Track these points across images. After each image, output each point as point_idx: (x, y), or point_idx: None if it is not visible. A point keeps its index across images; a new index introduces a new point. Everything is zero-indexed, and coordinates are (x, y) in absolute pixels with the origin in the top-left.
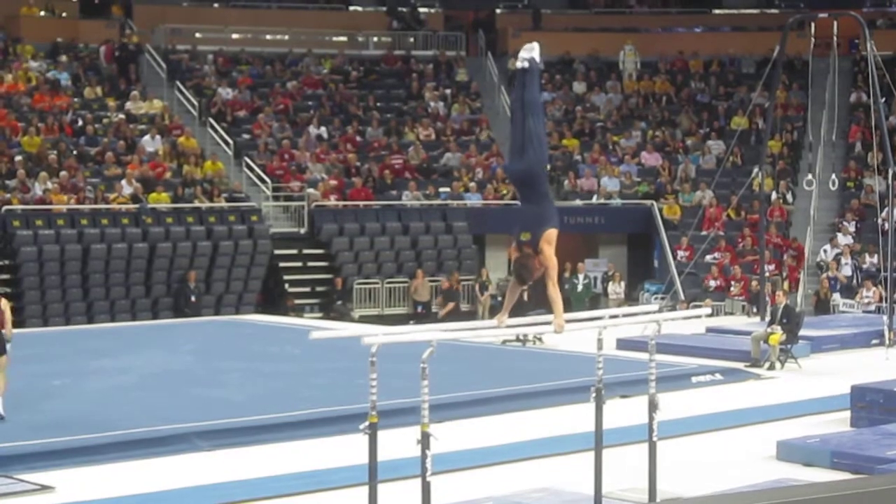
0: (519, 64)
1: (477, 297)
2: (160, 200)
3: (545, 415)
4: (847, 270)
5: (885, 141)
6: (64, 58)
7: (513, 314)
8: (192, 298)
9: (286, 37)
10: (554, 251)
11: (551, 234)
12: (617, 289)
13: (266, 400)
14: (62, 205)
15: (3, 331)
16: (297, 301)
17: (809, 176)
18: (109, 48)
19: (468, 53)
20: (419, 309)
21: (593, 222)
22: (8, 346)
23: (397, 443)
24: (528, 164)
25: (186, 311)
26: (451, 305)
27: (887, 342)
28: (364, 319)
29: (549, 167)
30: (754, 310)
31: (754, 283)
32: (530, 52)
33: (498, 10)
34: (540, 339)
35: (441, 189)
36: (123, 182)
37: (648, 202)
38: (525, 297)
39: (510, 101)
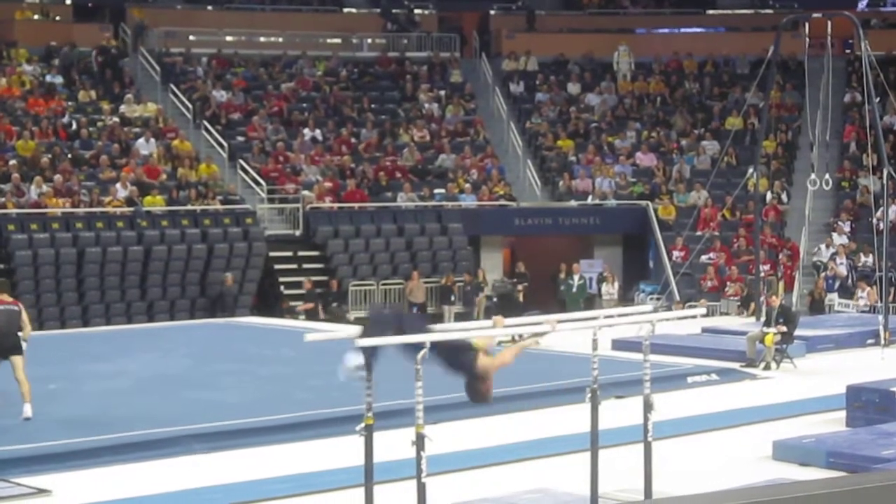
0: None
1: (472, 299)
2: (155, 203)
3: (540, 415)
4: (842, 270)
5: (880, 141)
6: (57, 61)
7: (507, 315)
8: (234, 301)
9: (280, 39)
10: (491, 361)
11: (481, 358)
12: (612, 289)
13: (261, 402)
14: (57, 208)
15: (21, 333)
16: (293, 303)
17: (813, 175)
18: (98, 50)
19: (462, 55)
20: (415, 310)
21: (588, 223)
22: (24, 346)
23: (393, 444)
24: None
25: (223, 314)
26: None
27: (882, 342)
28: (359, 321)
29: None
30: (745, 311)
31: (747, 282)
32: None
33: (492, 12)
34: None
35: (436, 190)
36: (118, 185)
37: (643, 203)
38: (521, 298)
39: None
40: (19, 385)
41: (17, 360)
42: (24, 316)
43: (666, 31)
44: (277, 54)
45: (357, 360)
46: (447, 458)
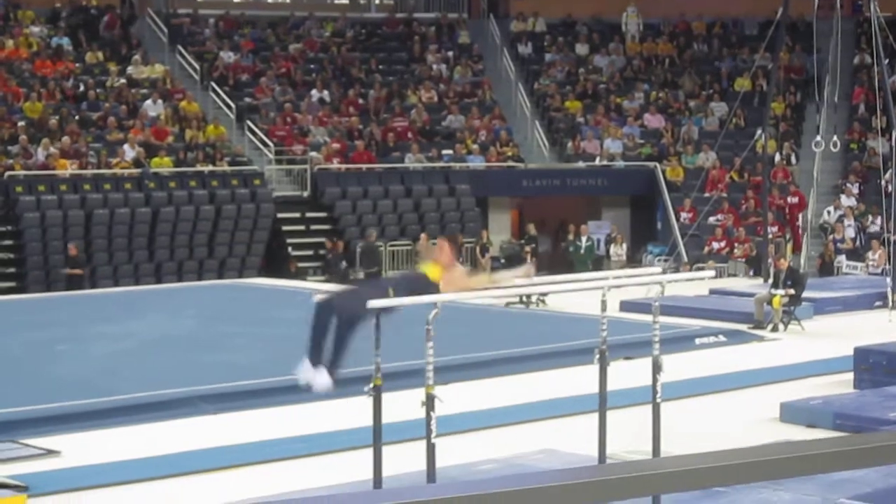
0: None
1: (478, 260)
2: (163, 165)
3: (549, 377)
4: (850, 232)
5: (889, 103)
6: (63, 23)
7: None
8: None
9: (287, 0)
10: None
11: (442, 285)
12: (620, 251)
13: (270, 363)
14: (65, 170)
15: None
16: (300, 264)
17: (818, 137)
18: (112, 15)
19: (470, 16)
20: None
21: (596, 184)
22: None
23: (402, 405)
24: None
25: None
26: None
27: (890, 304)
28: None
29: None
30: (752, 272)
31: (755, 244)
32: None
33: None
34: (543, 301)
35: (444, 151)
36: (126, 147)
37: (651, 164)
38: (529, 259)
39: None
40: None
41: None
42: None
43: None
44: (285, 15)
45: (323, 382)
46: (456, 418)
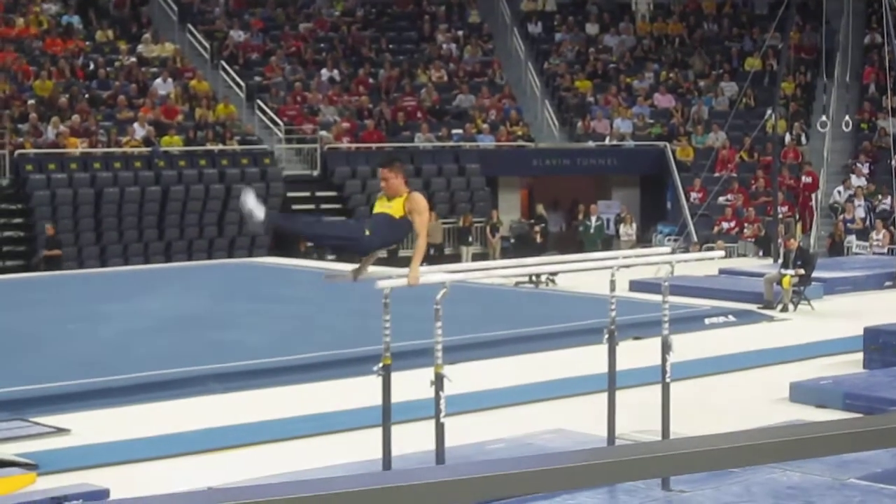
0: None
1: (488, 239)
2: (173, 144)
3: (558, 356)
4: (860, 212)
5: None
6: (73, 1)
7: (524, 255)
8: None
9: None
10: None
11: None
12: (629, 230)
13: (280, 342)
14: (75, 149)
15: None
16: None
17: (824, 117)
18: None
19: None
20: (432, 251)
21: (606, 164)
22: None
23: (411, 384)
24: None
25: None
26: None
27: None
28: (377, 261)
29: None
30: (760, 252)
31: (765, 224)
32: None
33: None
34: (553, 281)
35: (454, 131)
36: (136, 125)
37: (661, 144)
38: (538, 238)
39: None
40: None
41: None
42: None
43: None
44: None
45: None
46: (464, 398)
